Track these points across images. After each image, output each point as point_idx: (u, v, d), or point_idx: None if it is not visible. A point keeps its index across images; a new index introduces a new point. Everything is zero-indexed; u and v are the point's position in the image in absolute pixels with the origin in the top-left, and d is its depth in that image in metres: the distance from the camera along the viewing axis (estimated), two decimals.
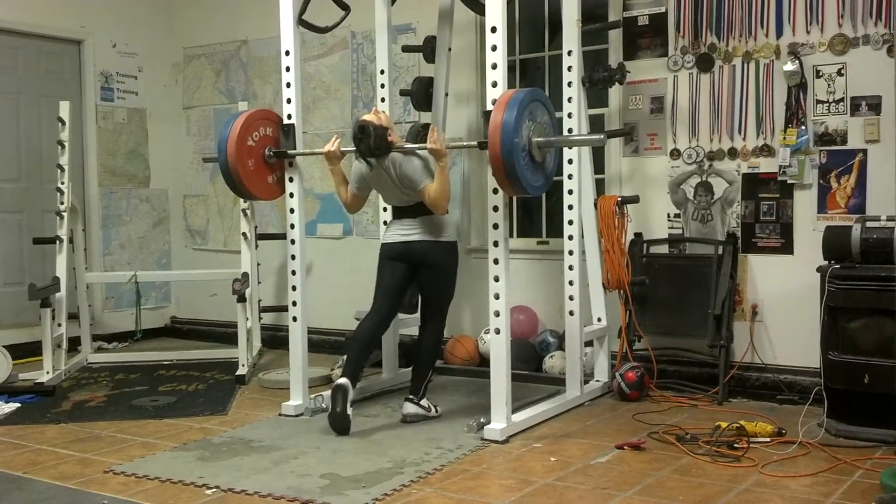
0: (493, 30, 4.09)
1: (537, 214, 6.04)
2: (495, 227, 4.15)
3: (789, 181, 4.90)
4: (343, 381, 4.29)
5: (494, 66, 4.09)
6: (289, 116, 4.71)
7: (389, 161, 4.40)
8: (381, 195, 4.66)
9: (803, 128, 4.84)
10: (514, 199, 5.67)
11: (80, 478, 3.71)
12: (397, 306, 4.69)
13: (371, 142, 4.34)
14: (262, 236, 6.59)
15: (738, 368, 5.00)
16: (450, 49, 5.50)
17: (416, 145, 4.57)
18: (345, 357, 5.51)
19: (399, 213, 4.58)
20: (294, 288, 4.75)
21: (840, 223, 4.62)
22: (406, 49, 5.95)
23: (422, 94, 5.59)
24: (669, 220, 5.33)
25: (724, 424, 4.06)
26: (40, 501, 3.47)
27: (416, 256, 4.49)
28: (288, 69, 4.69)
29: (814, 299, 4.36)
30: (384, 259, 4.59)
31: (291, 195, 4.74)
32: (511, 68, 5.73)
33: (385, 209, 5.17)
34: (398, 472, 3.70)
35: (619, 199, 5.14)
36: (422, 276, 4.60)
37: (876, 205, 4.64)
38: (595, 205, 5.13)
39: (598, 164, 5.40)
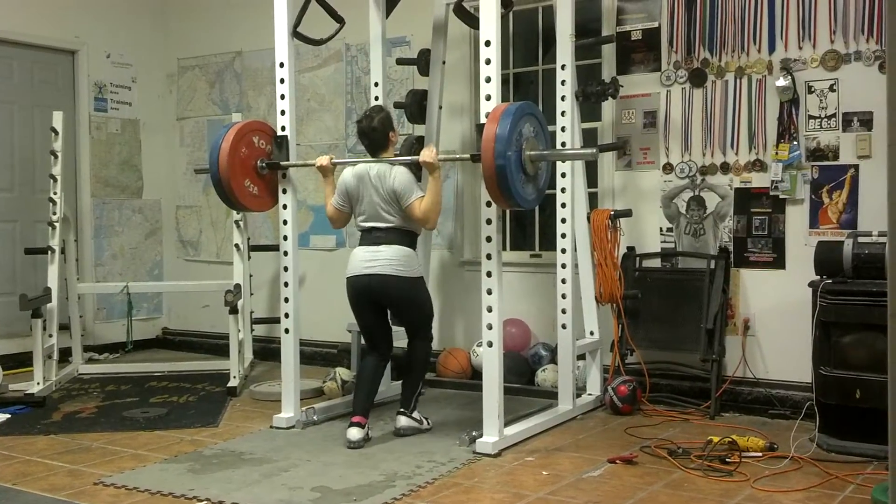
0: (488, 43, 4.10)
1: (530, 227, 6.05)
2: (488, 239, 4.15)
3: (781, 196, 4.92)
4: (354, 436, 4.28)
5: (488, 80, 4.10)
6: (282, 128, 4.72)
7: (378, 174, 4.39)
8: (357, 215, 4.49)
9: (795, 143, 4.87)
10: (508, 211, 5.69)
11: (70, 489, 3.69)
12: (389, 338, 4.65)
13: (375, 122, 4.41)
14: (254, 248, 6.58)
15: (730, 383, 5.00)
16: (444, 62, 5.52)
17: (407, 157, 4.58)
18: (336, 370, 5.54)
19: (367, 239, 4.44)
20: (286, 300, 4.74)
21: (832, 238, 4.64)
22: (400, 62, 5.96)
23: (416, 106, 5.62)
24: (662, 234, 5.34)
25: (715, 439, 4.06)
26: None
27: (375, 293, 4.40)
28: (282, 81, 4.70)
29: (806, 314, 4.37)
30: (351, 301, 4.49)
31: (284, 207, 4.74)
32: (505, 82, 5.75)
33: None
34: (389, 485, 3.69)
35: (612, 212, 5.15)
36: (389, 309, 4.60)
37: (867, 220, 4.66)
38: (588, 218, 5.14)
39: (591, 177, 5.42)
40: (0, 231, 6.67)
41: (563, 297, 4.87)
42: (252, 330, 6.59)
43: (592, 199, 5.40)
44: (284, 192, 4.74)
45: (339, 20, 5.01)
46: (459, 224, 6.10)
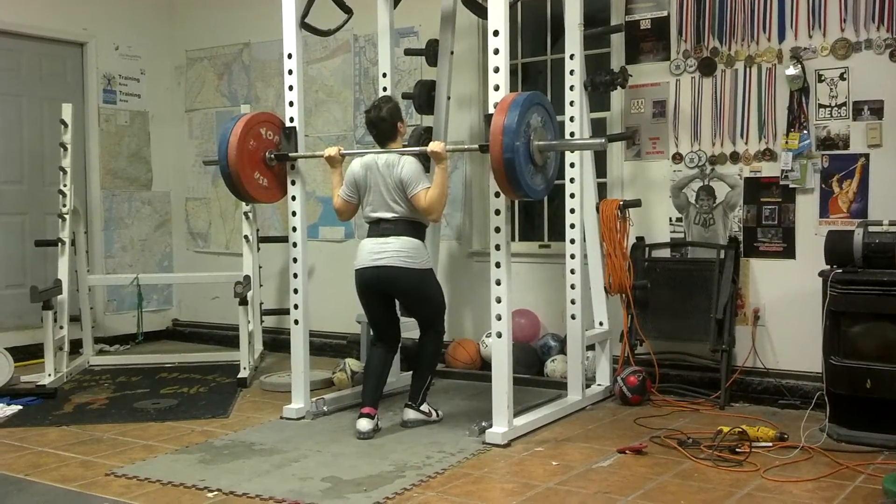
0: (496, 33, 4.09)
1: (539, 218, 6.04)
2: (497, 230, 4.15)
3: (791, 185, 4.90)
4: (364, 426, 4.30)
5: (497, 70, 4.09)
6: (291, 119, 4.72)
7: (386, 163, 4.39)
8: (364, 206, 4.48)
9: (805, 132, 4.84)
10: (516, 202, 5.69)
11: (81, 480, 3.71)
12: (396, 329, 4.67)
13: (384, 112, 4.42)
14: (263, 239, 6.59)
15: (739, 373, 4.99)
16: (452, 52, 5.50)
17: (416, 148, 4.58)
18: (346, 360, 5.55)
19: (375, 230, 4.44)
20: (296, 291, 4.75)
21: (842, 228, 4.62)
22: (408, 52, 5.96)
23: (424, 97, 5.60)
24: (671, 224, 5.33)
25: (725, 429, 4.06)
26: None
27: (385, 285, 4.39)
28: (290, 72, 4.70)
29: (816, 304, 4.36)
30: (360, 292, 4.49)
31: (293, 198, 4.74)
32: (513, 72, 5.73)
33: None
34: (400, 475, 3.70)
35: (621, 202, 5.14)
36: (399, 301, 4.60)
37: (878, 209, 4.64)
38: (597, 208, 5.13)
39: (600, 167, 5.40)
40: (10, 223, 6.70)
41: (572, 287, 4.87)
42: (262, 321, 6.61)
43: (601, 190, 5.39)
44: (293, 183, 4.74)
45: (347, 11, 5.00)
46: (468, 215, 6.09)
